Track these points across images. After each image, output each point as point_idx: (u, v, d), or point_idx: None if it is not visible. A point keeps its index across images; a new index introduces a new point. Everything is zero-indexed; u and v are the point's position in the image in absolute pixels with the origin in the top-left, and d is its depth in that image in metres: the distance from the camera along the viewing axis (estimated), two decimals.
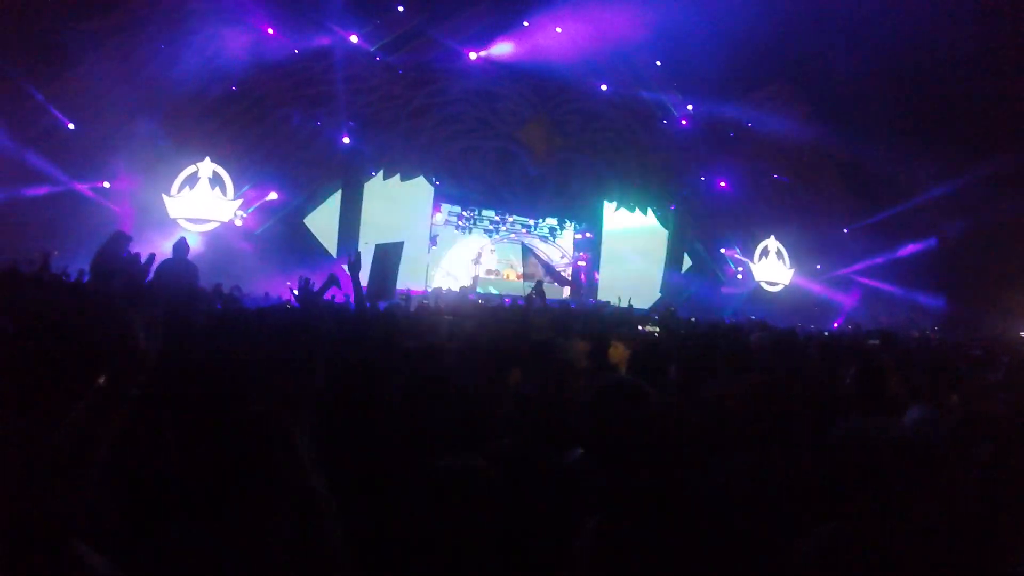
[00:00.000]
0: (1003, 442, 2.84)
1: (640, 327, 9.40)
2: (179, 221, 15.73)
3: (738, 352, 4.97)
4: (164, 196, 15.89)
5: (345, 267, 5.59)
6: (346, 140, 17.93)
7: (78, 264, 10.11)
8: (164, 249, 8.98)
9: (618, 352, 5.16)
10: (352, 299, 5.51)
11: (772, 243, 23.90)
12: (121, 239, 8.45)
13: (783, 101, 21.57)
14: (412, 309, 9.98)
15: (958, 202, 20.00)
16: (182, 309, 4.65)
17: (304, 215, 18.26)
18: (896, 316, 20.53)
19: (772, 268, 23.97)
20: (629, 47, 19.23)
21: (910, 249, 22.07)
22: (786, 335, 7.19)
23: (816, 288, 23.71)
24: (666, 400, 3.75)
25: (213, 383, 2.98)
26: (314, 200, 18.38)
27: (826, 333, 13.78)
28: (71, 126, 14.53)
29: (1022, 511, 2.52)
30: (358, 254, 5.46)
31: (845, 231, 23.56)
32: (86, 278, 9.13)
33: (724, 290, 23.54)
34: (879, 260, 22.60)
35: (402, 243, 6.69)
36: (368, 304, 7.79)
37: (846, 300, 23.11)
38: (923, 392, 5.02)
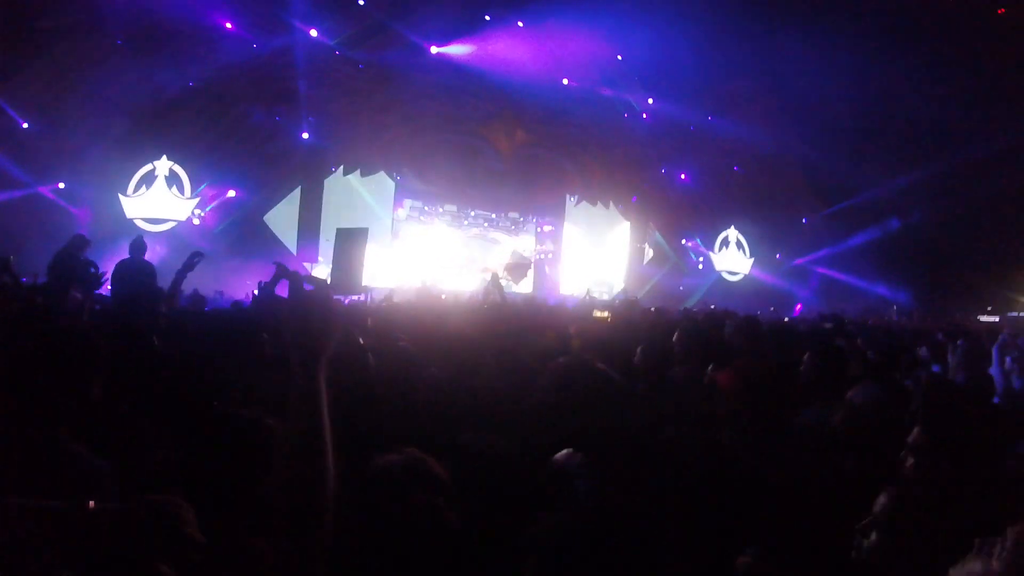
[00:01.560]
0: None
1: (595, 313, 9.47)
2: (136, 221, 15.45)
3: (712, 339, 5.08)
4: (120, 196, 15.59)
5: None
6: (306, 136, 17.75)
7: (35, 266, 9.91)
8: (122, 250, 8.85)
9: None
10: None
11: (732, 233, 24.21)
12: (79, 243, 8.36)
13: (744, 98, 21.78)
14: (373, 303, 9.91)
15: (918, 191, 20.39)
16: (140, 311, 4.60)
17: (264, 212, 18.04)
18: (856, 304, 20.90)
19: (732, 258, 24.28)
20: (591, 42, 19.28)
21: (870, 234, 22.41)
22: (750, 321, 7.32)
23: (775, 277, 24.08)
24: (631, 383, 3.81)
25: (171, 383, 2.97)
26: (274, 197, 18.16)
27: (785, 319, 14.02)
28: (25, 125, 14.17)
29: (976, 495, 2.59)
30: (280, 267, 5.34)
31: (804, 221, 23.92)
32: (41, 279, 8.99)
33: (686, 280, 23.79)
34: (838, 248, 22.99)
35: (366, 229, 6.52)
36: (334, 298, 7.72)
37: (804, 289, 23.50)
38: (878, 375, 5.15)
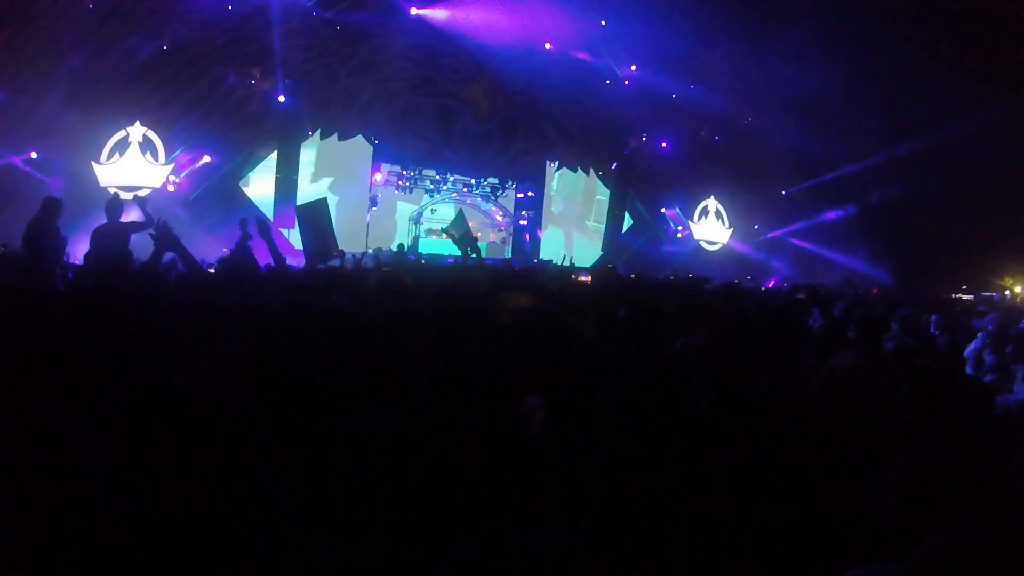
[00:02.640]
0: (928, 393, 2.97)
1: (574, 276, 9.50)
2: (110, 189, 15.14)
3: (692, 303, 5.12)
4: (94, 164, 15.28)
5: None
6: (282, 99, 17.46)
7: (8, 236, 9.69)
8: (98, 218, 8.68)
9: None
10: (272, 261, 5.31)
11: (712, 203, 24.21)
12: (52, 207, 8.13)
13: (725, 67, 21.65)
14: (349, 267, 9.83)
15: (897, 167, 20.52)
16: (111, 279, 4.52)
17: (239, 178, 17.81)
18: (833, 277, 21.04)
19: (711, 228, 24.32)
20: (575, 7, 19.05)
21: (847, 210, 22.57)
22: (733, 286, 7.40)
23: (753, 248, 24.19)
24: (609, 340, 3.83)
25: (141, 353, 2.91)
26: (249, 162, 17.92)
27: (762, 289, 14.10)
28: None
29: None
30: (260, 219, 5.23)
31: (784, 193, 23.97)
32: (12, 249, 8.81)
33: (665, 248, 23.85)
34: (815, 222, 23.14)
35: (324, 199, 6.44)
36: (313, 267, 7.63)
37: (781, 260, 23.64)
38: (851, 344, 5.22)
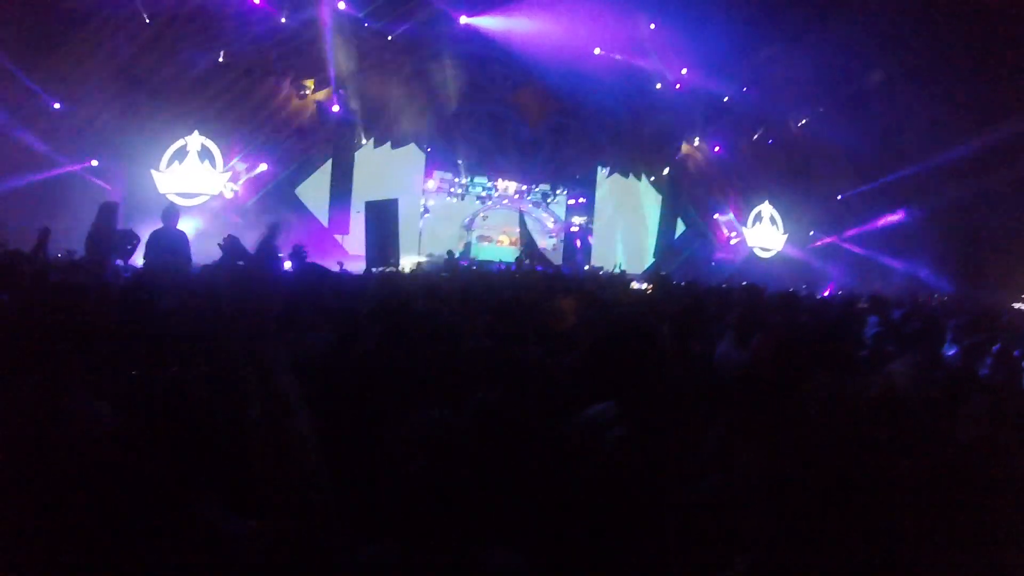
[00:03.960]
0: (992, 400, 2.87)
1: (635, 284, 9.42)
2: (169, 196, 15.56)
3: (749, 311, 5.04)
4: (153, 171, 15.71)
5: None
6: (336, 109, 17.77)
7: (71, 243, 9.95)
8: (157, 224, 8.91)
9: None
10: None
11: (766, 208, 23.80)
12: (110, 210, 8.39)
13: (780, 67, 21.29)
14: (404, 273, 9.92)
15: (957, 170, 19.87)
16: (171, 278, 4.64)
17: (295, 185, 18.15)
18: (892, 286, 20.46)
19: (765, 234, 23.89)
20: (625, 11, 18.94)
21: (898, 216, 21.92)
22: (788, 296, 7.26)
23: (808, 255, 23.64)
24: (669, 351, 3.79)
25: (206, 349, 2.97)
26: (305, 170, 18.26)
27: (818, 298, 13.80)
28: (57, 106, 14.26)
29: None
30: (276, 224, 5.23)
31: (839, 197, 23.40)
32: (78, 255, 9.06)
33: (717, 256, 23.50)
34: (873, 226, 22.51)
35: (395, 201, 6.41)
36: (373, 270, 7.70)
37: (838, 268, 23.06)
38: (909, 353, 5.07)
